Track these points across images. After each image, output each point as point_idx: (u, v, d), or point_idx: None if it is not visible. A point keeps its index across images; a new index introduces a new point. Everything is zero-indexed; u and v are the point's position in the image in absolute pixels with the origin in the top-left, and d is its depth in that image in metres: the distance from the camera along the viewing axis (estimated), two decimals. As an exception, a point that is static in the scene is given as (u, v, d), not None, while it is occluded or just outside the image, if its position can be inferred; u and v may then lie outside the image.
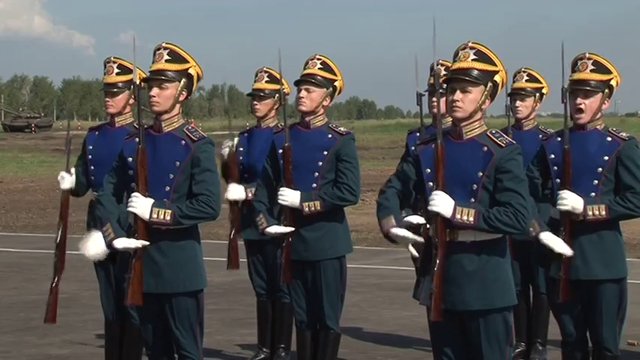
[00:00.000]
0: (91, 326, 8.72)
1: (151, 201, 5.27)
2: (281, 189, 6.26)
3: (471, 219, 4.73)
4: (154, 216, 5.27)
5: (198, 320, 5.48)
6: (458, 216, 4.73)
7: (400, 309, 9.78)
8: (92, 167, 6.71)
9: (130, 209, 5.28)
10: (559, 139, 5.72)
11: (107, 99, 6.65)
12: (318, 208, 6.23)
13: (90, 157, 6.72)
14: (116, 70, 6.61)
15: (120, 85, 6.61)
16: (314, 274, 6.31)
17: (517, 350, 7.81)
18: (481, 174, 4.78)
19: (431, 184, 4.89)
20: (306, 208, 6.22)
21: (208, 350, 6.85)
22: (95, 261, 6.58)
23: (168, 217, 5.28)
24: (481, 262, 4.82)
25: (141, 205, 5.26)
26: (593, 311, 5.64)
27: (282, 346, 7.59)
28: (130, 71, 6.60)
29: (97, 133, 6.77)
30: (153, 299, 5.46)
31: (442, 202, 4.75)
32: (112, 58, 6.68)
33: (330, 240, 6.29)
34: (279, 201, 6.24)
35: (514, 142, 4.90)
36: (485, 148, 4.81)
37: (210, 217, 5.38)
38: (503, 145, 4.83)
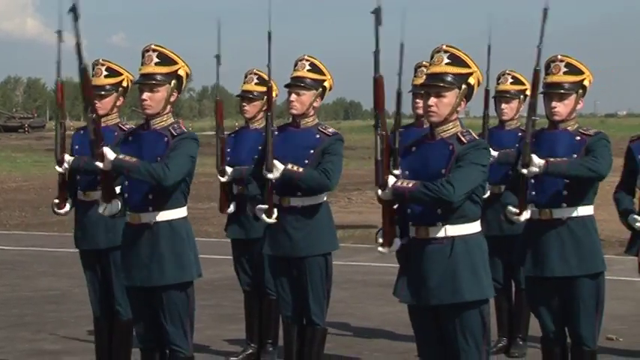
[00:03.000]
0: (82, 322, 8.71)
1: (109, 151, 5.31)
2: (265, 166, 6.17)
3: (410, 185, 4.76)
4: (120, 156, 5.33)
5: (188, 315, 5.48)
6: (398, 183, 4.77)
7: (385, 305, 9.78)
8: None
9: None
10: (533, 140, 5.69)
11: (95, 101, 6.64)
12: (300, 171, 6.15)
13: (76, 156, 6.72)
14: (104, 73, 6.61)
15: (108, 87, 6.60)
16: (300, 270, 6.32)
17: (499, 345, 7.84)
18: (444, 171, 4.81)
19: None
20: (289, 165, 6.14)
21: (198, 345, 6.85)
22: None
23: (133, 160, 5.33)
24: (454, 257, 4.83)
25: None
26: (571, 307, 5.66)
27: (270, 341, 7.60)
28: (118, 74, 6.61)
29: (82, 132, 6.78)
30: (144, 294, 5.47)
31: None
32: (100, 61, 6.67)
33: (316, 237, 6.29)
34: (267, 175, 6.14)
35: (478, 138, 4.92)
36: (451, 147, 4.85)
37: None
38: (465, 141, 4.86)
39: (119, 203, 5.45)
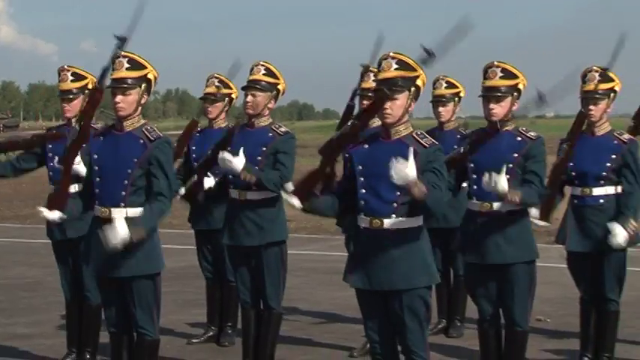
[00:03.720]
0: (54, 308, 8.64)
1: (125, 229, 5.21)
2: (224, 153, 6.18)
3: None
4: (134, 238, 5.25)
5: (155, 301, 5.47)
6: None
7: (335, 290, 9.80)
8: (51, 164, 6.68)
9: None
10: (473, 138, 5.79)
11: (64, 104, 6.63)
12: (253, 180, 6.19)
13: (50, 155, 6.68)
14: (70, 78, 6.58)
15: (75, 91, 6.58)
16: (257, 258, 6.32)
17: (439, 326, 7.90)
18: None
19: (362, 179, 4.94)
20: (242, 176, 6.17)
21: (163, 328, 6.81)
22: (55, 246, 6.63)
23: (143, 234, 5.28)
24: (405, 246, 4.87)
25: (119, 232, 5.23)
26: (506, 291, 5.71)
27: (230, 324, 7.61)
28: (83, 77, 6.60)
29: (53, 131, 6.75)
30: (114, 282, 5.44)
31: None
32: (65, 67, 6.65)
33: (271, 227, 6.30)
34: (224, 163, 6.16)
35: (436, 142, 4.96)
36: (412, 148, 4.86)
37: (166, 214, 5.43)
38: (427, 145, 4.89)
39: (58, 214, 5.49)
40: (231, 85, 7.59)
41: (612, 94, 6.43)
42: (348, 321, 8.32)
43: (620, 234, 6.20)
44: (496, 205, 5.61)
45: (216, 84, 7.56)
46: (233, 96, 7.64)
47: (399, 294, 4.88)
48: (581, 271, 6.53)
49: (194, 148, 7.43)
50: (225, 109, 7.60)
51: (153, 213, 5.32)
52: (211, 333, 7.67)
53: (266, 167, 6.26)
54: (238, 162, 6.14)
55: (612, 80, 6.41)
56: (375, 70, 6.86)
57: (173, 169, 5.49)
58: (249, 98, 6.33)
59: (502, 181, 5.34)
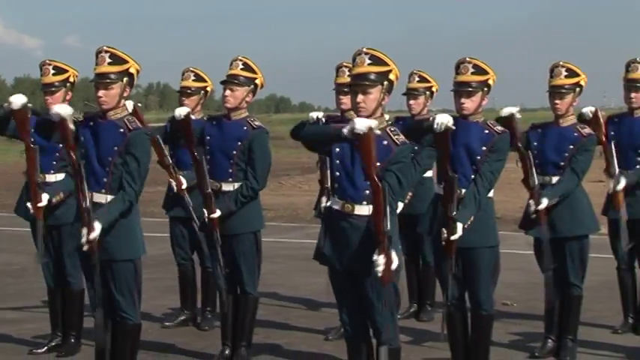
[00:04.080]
0: (39, 293, 8.57)
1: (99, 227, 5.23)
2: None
3: None
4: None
5: (136, 286, 5.46)
6: None
7: (311, 276, 9.82)
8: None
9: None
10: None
11: (47, 97, 6.61)
12: (235, 208, 6.25)
13: (35, 147, 6.63)
14: (52, 72, 6.56)
15: (57, 84, 6.56)
16: (233, 246, 6.32)
17: (410, 310, 7.93)
18: (379, 164, 4.83)
19: (337, 161, 4.99)
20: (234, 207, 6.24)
21: (145, 313, 6.81)
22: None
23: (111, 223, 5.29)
24: (373, 232, 4.86)
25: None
26: (471, 276, 5.74)
27: (209, 309, 7.62)
28: (64, 71, 6.58)
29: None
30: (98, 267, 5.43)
31: None
32: (46, 61, 6.64)
33: (247, 217, 6.31)
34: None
35: (407, 141, 4.98)
36: (385, 142, 4.89)
37: (132, 202, 5.37)
38: (399, 143, 4.91)
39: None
40: (206, 78, 7.61)
41: (578, 89, 6.46)
42: (323, 306, 8.34)
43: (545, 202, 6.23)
44: (463, 193, 5.63)
45: (192, 77, 7.56)
46: (208, 89, 7.65)
47: (367, 276, 4.89)
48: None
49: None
50: (201, 101, 7.61)
51: (113, 206, 5.31)
52: (184, 317, 7.70)
53: (241, 161, 6.26)
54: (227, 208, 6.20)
55: (578, 75, 6.45)
56: (350, 65, 6.92)
57: (146, 159, 5.43)
58: (228, 92, 6.33)
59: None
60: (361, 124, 4.65)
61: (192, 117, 7.40)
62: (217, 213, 6.16)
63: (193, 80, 7.56)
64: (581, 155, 6.34)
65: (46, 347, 6.83)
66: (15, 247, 11.98)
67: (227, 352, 6.44)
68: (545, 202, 6.24)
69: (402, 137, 4.96)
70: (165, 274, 9.47)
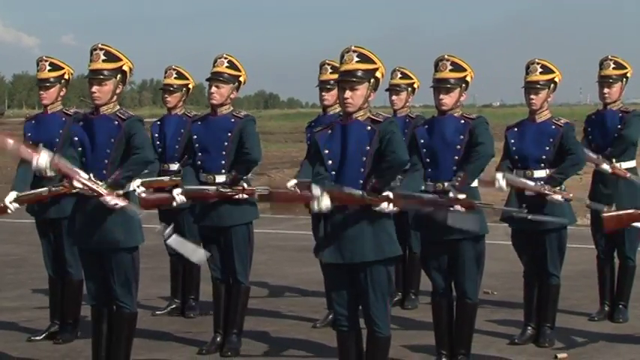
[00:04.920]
0: (38, 283, 8.56)
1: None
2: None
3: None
4: (113, 202, 5.21)
5: (133, 275, 5.45)
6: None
7: (300, 266, 9.83)
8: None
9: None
10: (426, 126, 5.82)
11: (41, 92, 6.58)
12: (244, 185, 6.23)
13: (30, 142, 6.61)
14: (48, 67, 6.51)
15: (52, 79, 6.52)
16: (226, 237, 6.30)
17: (395, 299, 7.92)
18: (368, 147, 4.85)
19: (330, 162, 4.93)
20: (238, 196, 6.19)
21: (141, 302, 6.79)
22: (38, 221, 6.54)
23: (121, 192, 5.28)
24: (372, 221, 4.86)
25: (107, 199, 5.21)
26: (456, 266, 5.74)
27: (192, 297, 7.62)
28: (60, 68, 6.54)
29: (33, 122, 6.68)
30: (95, 256, 5.40)
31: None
32: (43, 57, 6.60)
33: (239, 209, 6.28)
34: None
35: (389, 116, 4.99)
36: (369, 127, 4.88)
37: (148, 162, 5.44)
38: (381, 120, 4.91)
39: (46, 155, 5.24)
40: (187, 75, 7.59)
41: (552, 85, 6.48)
42: (312, 294, 8.34)
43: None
44: (448, 185, 5.62)
45: (174, 75, 7.55)
46: (190, 86, 7.64)
47: (365, 267, 4.88)
48: (524, 248, 6.58)
49: (156, 135, 7.44)
50: (183, 98, 7.60)
51: (129, 166, 5.31)
52: (174, 305, 7.70)
53: (232, 153, 6.24)
54: None
55: (553, 72, 6.46)
56: (332, 63, 6.97)
57: (148, 139, 5.46)
58: (213, 89, 6.32)
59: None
60: (325, 205, 4.70)
61: (176, 113, 7.44)
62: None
63: (175, 78, 7.57)
64: (572, 139, 6.39)
65: (44, 335, 6.80)
66: (15, 238, 11.94)
67: (219, 339, 6.42)
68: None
69: (383, 115, 4.95)
70: (160, 263, 9.43)
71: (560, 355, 6.32)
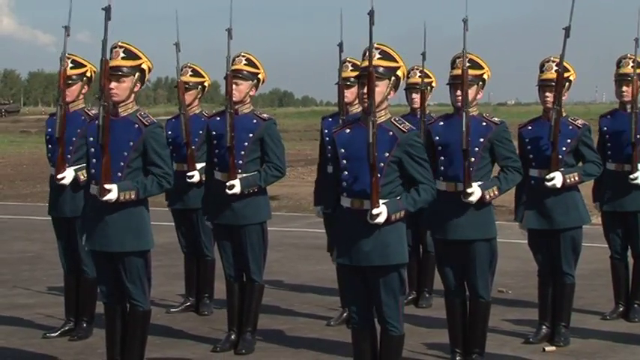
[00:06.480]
0: (54, 280, 8.59)
1: (115, 186, 5.21)
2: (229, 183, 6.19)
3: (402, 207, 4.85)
4: (121, 197, 5.21)
5: (146, 275, 5.43)
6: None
7: (314, 264, 9.83)
8: (50, 146, 6.62)
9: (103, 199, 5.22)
10: (441, 123, 5.80)
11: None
12: (256, 189, 6.24)
13: (48, 137, 6.63)
14: (70, 65, 6.50)
15: (74, 77, 6.51)
16: (240, 236, 6.30)
17: (409, 297, 7.90)
18: (387, 154, 4.81)
19: (345, 161, 4.91)
20: (245, 191, 6.20)
21: (154, 299, 6.81)
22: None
23: (133, 196, 5.25)
24: (384, 226, 4.83)
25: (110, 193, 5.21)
26: (469, 266, 5.72)
27: (207, 295, 7.63)
28: (82, 65, 6.53)
29: (54, 117, 6.66)
30: (108, 258, 5.40)
31: None
32: (66, 55, 6.56)
33: (253, 208, 6.28)
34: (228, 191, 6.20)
35: (413, 127, 4.94)
36: (391, 133, 4.85)
37: (165, 190, 5.42)
38: (405, 130, 4.86)
39: (72, 171, 5.36)
40: (203, 73, 7.58)
41: (567, 83, 6.44)
42: (325, 292, 8.33)
43: (558, 177, 6.24)
44: (461, 186, 5.60)
45: (190, 73, 7.54)
46: (206, 84, 7.62)
47: (376, 269, 4.87)
48: (539, 247, 6.55)
49: (169, 132, 7.38)
50: (199, 96, 7.59)
51: (152, 184, 5.30)
52: (189, 303, 7.71)
53: (251, 153, 6.23)
54: (237, 188, 6.19)
55: (567, 70, 6.42)
56: (353, 60, 6.95)
57: (167, 150, 5.44)
58: (233, 86, 6.29)
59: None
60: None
61: (192, 111, 7.43)
62: (237, 187, 6.14)
63: (191, 75, 7.55)
64: (590, 141, 6.38)
65: (59, 331, 6.82)
66: (30, 235, 11.98)
67: (233, 337, 6.42)
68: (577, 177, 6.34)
69: (407, 125, 4.91)
70: (174, 261, 9.47)
71: (547, 349, 6.33)
